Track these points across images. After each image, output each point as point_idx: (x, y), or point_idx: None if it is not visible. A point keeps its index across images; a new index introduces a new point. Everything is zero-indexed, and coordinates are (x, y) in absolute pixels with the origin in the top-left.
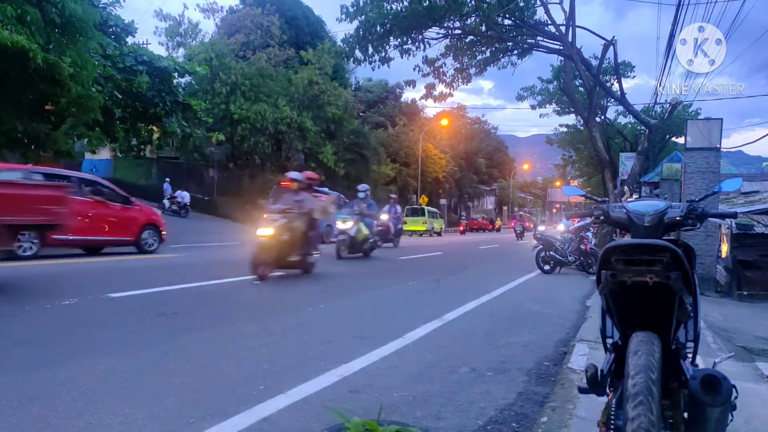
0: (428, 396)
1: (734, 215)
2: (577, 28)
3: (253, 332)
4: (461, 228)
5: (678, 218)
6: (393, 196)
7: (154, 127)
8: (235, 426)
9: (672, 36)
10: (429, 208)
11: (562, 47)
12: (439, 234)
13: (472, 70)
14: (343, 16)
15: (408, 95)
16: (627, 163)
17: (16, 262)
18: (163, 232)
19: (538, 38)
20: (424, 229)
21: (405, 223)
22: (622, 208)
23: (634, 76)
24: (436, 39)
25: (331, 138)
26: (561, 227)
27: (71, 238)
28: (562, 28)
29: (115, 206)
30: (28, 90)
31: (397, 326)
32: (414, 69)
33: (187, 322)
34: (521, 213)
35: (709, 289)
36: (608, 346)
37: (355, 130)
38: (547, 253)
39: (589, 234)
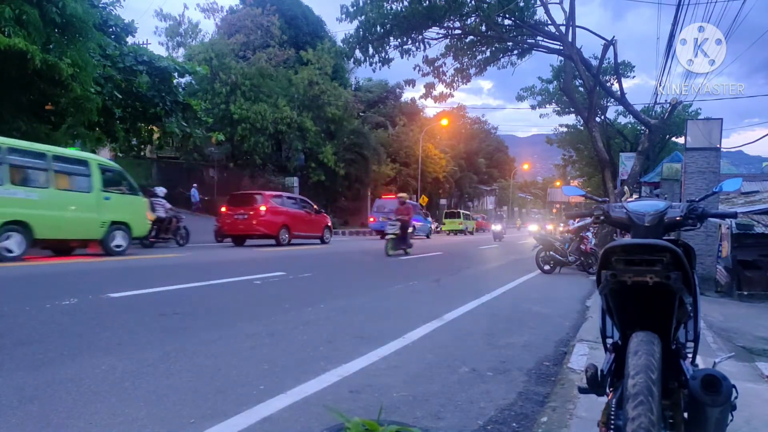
0: (428, 396)
1: (734, 215)
2: (577, 28)
3: (253, 332)
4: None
5: (678, 218)
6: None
7: (154, 127)
8: (235, 426)
9: (672, 36)
10: (463, 211)
11: (562, 47)
12: (471, 233)
13: (472, 70)
14: (343, 16)
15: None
16: (627, 163)
17: (17, 262)
18: (332, 231)
19: (538, 38)
20: (461, 228)
21: (414, 228)
22: (622, 208)
23: (634, 76)
24: (436, 39)
25: (331, 138)
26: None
27: (301, 234)
28: (562, 28)
29: (313, 214)
30: (28, 90)
31: (397, 326)
32: (414, 69)
33: (187, 322)
34: (500, 212)
35: (709, 289)
36: (608, 346)
37: (355, 130)
38: (547, 253)
39: (589, 234)
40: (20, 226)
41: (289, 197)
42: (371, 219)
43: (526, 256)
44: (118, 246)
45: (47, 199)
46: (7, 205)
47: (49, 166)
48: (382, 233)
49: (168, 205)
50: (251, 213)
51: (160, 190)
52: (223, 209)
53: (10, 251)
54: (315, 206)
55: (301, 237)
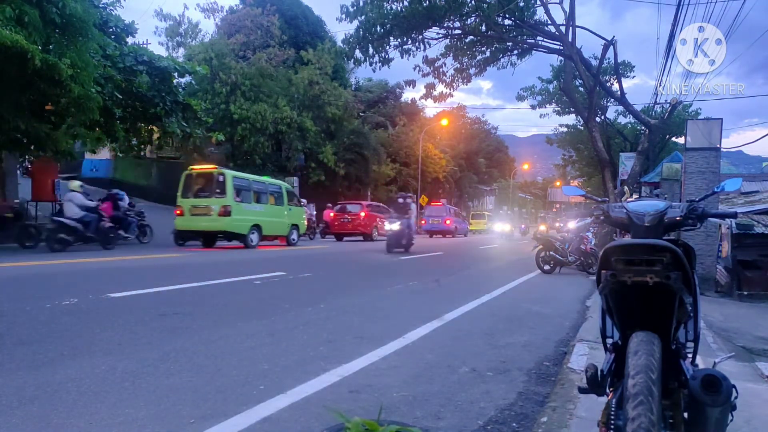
0: (428, 396)
1: (734, 215)
2: (577, 28)
3: (253, 332)
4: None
5: (678, 218)
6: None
7: (154, 127)
8: (235, 426)
9: (672, 36)
10: (487, 212)
11: (562, 47)
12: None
13: (472, 70)
14: (343, 16)
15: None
16: (627, 163)
17: (17, 262)
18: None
19: (538, 38)
20: (484, 228)
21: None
22: (622, 208)
23: (633, 76)
24: (436, 39)
25: (331, 138)
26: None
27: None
28: (562, 28)
29: (382, 215)
30: (28, 90)
31: (397, 326)
32: (414, 69)
33: (187, 322)
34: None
35: (709, 289)
36: (608, 346)
37: (355, 130)
38: (547, 253)
39: (589, 234)
40: (257, 227)
41: (376, 205)
42: (422, 221)
43: (526, 256)
44: (293, 239)
45: (268, 211)
46: (252, 215)
47: (267, 190)
48: (431, 233)
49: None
50: (354, 217)
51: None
52: (332, 214)
53: (252, 241)
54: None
55: (381, 235)
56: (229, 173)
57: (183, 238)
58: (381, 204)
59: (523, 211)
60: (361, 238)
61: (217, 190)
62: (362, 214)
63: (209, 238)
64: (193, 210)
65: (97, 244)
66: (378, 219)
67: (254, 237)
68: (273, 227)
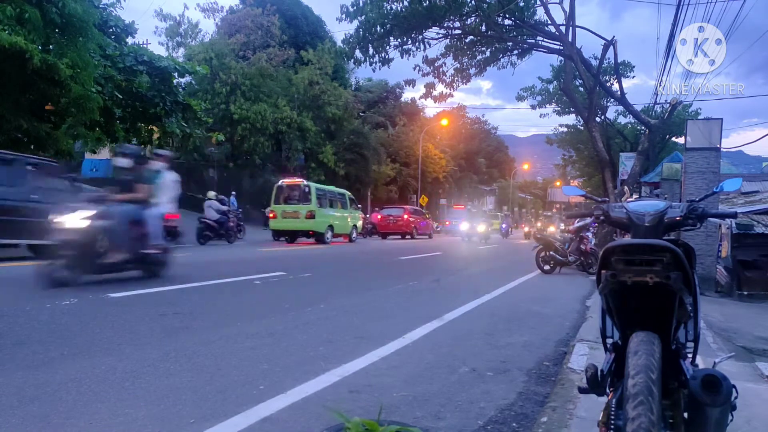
0: (428, 396)
1: (734, 215)
2: (577, 28)
3: (253, 332)
4: None
5: (678, 218)
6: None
7: (154, 127)
8: (235, 426)
9: (672, 36)
10: (501, 213)
11: (562, 47)
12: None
13: (472, 70)
14: (343, 16)
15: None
16: (627, 163)
17: (16, 262)
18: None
19: (538, 38)
20: (497, 227)
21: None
22: (622, 208)
23: (633, 76)
24: (436, 39)
25: (331, 138)
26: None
27: (420, 232)
28: (562, 28)
29: (425, 218)
30: (28, 90)
31: (397, 326)
32: (414, 69)
33: (187, 322)
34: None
35: (709, 289)
36: (608, 346)
37: (355, 130)
38: (547, 253)
39: (589, 234)
40: (331, 227)
41: (414, 210)
42: (447, 222)
43: (526, 256)
44: (354, 237)
45: (338, 214)
46: (328, 218)
47: (336, 197)
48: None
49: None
50: (398, 219)
51: (212, 194)
52: (379, 217)
53: (327, 239)
54: (427, 214)
55: (420, 234)
56: (313, 185)
57: (278, 235)
58: (417, 208)
59: (523, 211)
60: (399, 236)
61: (304, 198)
62: (405, 216)
63: (294, 236)
64: (285, 214)
65: (224, 240)
66: (416, 220)
67: (329, 235)
68: (341, 227)
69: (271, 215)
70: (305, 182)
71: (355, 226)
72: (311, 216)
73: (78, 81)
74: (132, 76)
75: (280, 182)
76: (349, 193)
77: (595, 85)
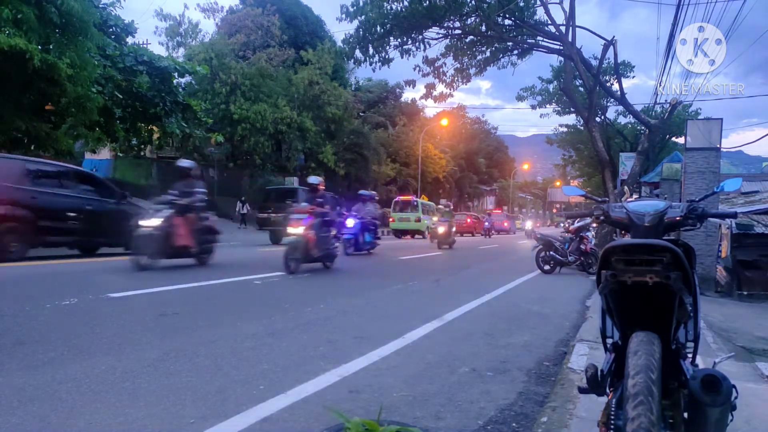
0: (428, 396)
1: (734, 215)
2: (577, 28)
3: (253, 332)
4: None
5: (678, 218)
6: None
7: (154, 127)
8: (235, 426)
9: (672, 36)
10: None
11: (562, 47)
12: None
13: (472, 70)
14: (343, 16)
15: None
16: (627, 163)
17: (16, 262)
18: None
19: (538, 38)
20: (519, 225)
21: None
22: (622, 208)
23: (633, 76)
24: (436, 39)
25: (331, 138)
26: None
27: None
28: (562, 28)
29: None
30: (28, 90)
31: (397, 326)
32: (414, 69)
33: (187, 322)
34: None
35: (709, 289)
36: (608, 346)
37: (355, 130)
38: (547, 253)
39: (589, 234)
40: (427, 228)
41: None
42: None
43: (526, 256)
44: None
45: (427, 219)
46: (425, 222)
47: (429, 209)
48: (497, 231)
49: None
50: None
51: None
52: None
53: (425, 236)
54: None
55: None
56: (419, 200)
57: (398, 234)
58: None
59: (523, 211)
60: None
61: (413, 209)
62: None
63: (403, 234)
64: (401, 219)
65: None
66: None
67: (426, 233)
68: (427, 228)
69: (391, 220)
70: (414, 198)
71: (427, 228)
72: (419, 220)
73: (77, 81)
74: (132, 76)
75: (397, 198)
76: (434, 204)
77: (595, 85)
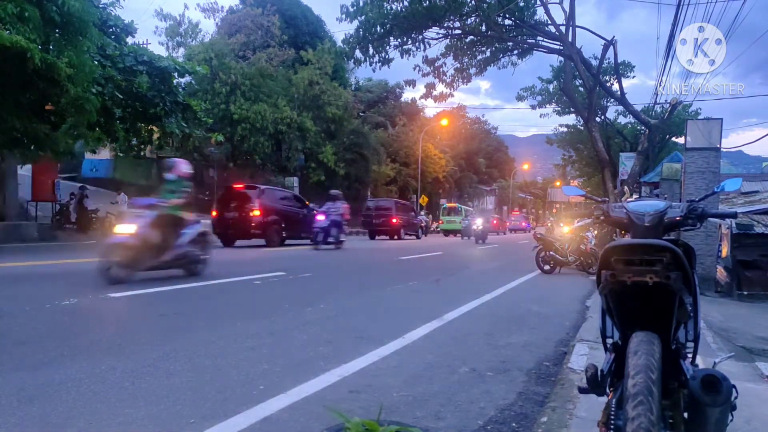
0: (428, 396)
1: (734, 215)
2: (577, 28)
3: (253, 332)
4: None
5: (678, 218)
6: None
7: (154, 127)
8: (235, 426)
9: (672, 36)
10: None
11: (562, 47)
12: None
13: (472, 70)
14: (343, 16)
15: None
16: (627, 163)
17: (15, 262)
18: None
19: (538, 38)
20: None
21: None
22: (622, 208)
23: (633, 76)
24: (436, 39)
25: (331, 138)
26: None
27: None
28: (562, 28)
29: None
30: (28, 90)
31: (397, 326)
32: (414, 69)
33: (187, 322)
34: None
35: (709, 289)
36: (608, 346)
37: (355, 130)
38: (547, 253)
39: (589, 234)
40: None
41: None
42: (507, 223)
43: (526, 256)
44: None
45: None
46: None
47: (462, 211)
48: (515, 230)
49: None
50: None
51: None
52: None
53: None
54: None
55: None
56: (462, 206)
57: (446, 233)
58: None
59: (523, 211)
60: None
61: (457, 213)
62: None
63: (451, 233)
64: (448, 221)
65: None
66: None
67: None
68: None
69: (440, 222)
70: (459, 204)
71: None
72: (461, 222)
73: (75, 82)
74: (132, 76)
75: (444, 204)
76: (463, 207)
77: (595, 85)
